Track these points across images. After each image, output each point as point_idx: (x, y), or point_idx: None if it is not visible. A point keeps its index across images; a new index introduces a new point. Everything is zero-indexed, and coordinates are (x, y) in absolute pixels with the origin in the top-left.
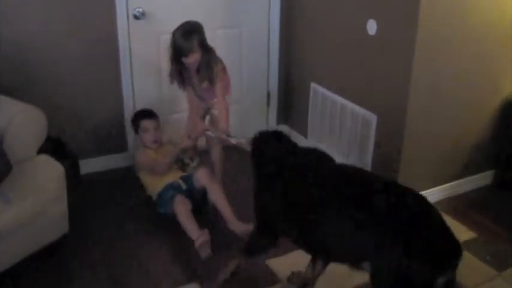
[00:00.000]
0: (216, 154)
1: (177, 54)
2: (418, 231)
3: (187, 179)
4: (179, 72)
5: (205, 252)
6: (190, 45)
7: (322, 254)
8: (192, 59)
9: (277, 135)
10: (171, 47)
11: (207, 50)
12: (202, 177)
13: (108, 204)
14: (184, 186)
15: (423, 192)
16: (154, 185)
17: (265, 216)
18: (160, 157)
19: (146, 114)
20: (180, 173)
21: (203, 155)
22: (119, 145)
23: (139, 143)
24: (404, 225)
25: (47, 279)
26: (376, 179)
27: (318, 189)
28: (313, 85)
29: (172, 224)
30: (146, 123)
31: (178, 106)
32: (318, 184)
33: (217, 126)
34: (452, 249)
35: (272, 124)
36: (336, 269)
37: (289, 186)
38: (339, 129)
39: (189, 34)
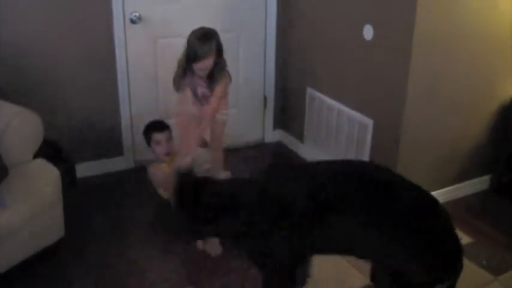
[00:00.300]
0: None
1: (192, 58)
2: (422, 235)
3: None
4: (183, 75)
5: (215, 251)
6: (207, 50)
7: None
8: (205, 64)
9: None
10: (185, 51)
11: (221, 56)
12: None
13: (104, 208)
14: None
15: None
16: None
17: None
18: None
19: (158, 126)
20: None
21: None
22: (115, 149)
23: (152, 156)
24: (407, 226)
25: (44, 283)
26: (379, 174)
27: (328, 194)
28: (309, 90)
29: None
30: (158, 136)
31: (175, 110)
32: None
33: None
34: (454, 257)
35: (268, 128)
36: (333, 273)
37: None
38: (335, 134)
39: (206, 38)
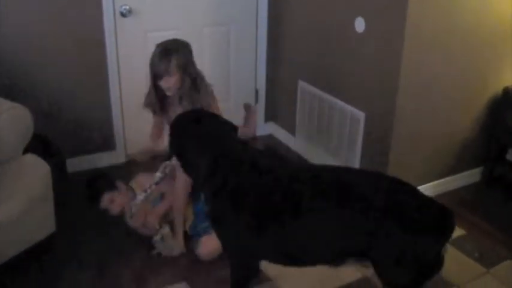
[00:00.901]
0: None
1: (152, 73)
2: (412, 207)
3: None
4: (159, 97)
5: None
6: (164, 67)
7: (305, 261)
8: (167, 83)
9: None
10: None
11: (191, 76)
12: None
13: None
14: None
15: None
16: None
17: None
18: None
19: (93, 196)
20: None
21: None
22: (107, 143)
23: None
24: (395, 204)
25: (35, 279)
26: (338, 170)
27: (296, 191)
28: (301, 83)
29: None
30: (103, 203)
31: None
32: (292, 187)
33: None
34: (449, 215)
35: (260, 122)
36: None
37: (260, 195)
38: (327, 127)
39: (166, 53)
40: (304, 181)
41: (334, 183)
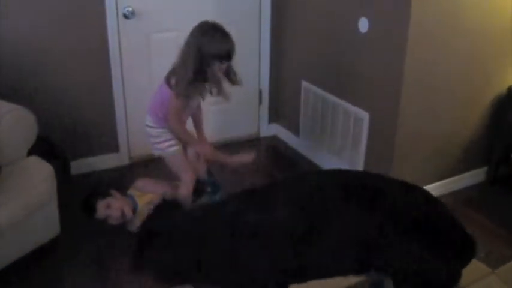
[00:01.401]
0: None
1: (223, 56)
2: (438, 229)
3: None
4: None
5: None
6: (233, 47)
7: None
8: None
9: None
10: (199, 51)
11: None
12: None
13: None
14: (209, 188)
15: None
16: None
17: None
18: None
19: (88, 209)
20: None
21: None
22: (110, 145)
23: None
24: (423, 223)
25: (39, 281)
26: (374, 179)
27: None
28: (304, 83)
29: None
30: (100, 211)
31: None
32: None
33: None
34: (471, 243)
35: (264, 123)
36: None
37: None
38: (331, 127)
39: (227, 34)
40: (329, 193)
41: (362, 192)
